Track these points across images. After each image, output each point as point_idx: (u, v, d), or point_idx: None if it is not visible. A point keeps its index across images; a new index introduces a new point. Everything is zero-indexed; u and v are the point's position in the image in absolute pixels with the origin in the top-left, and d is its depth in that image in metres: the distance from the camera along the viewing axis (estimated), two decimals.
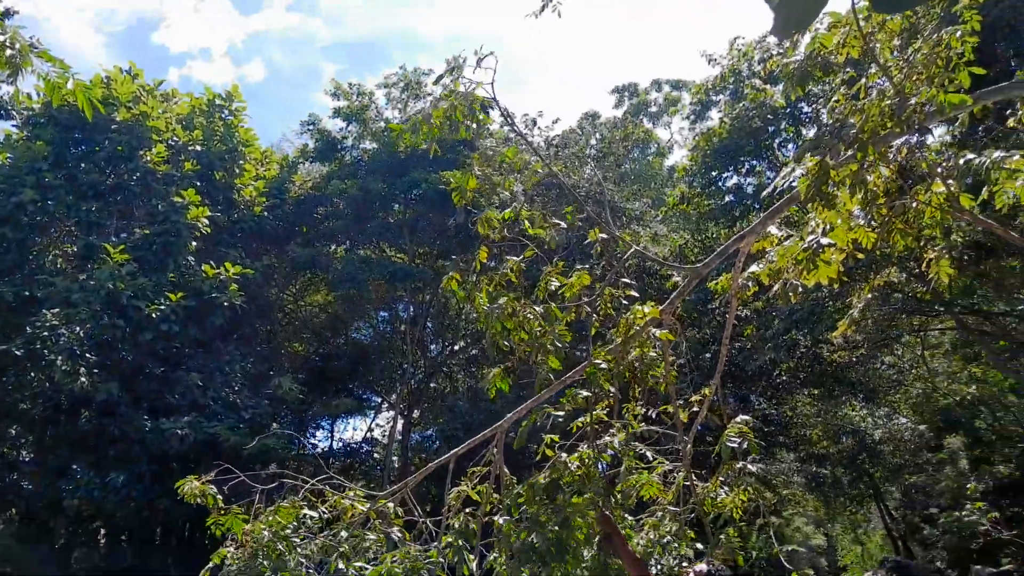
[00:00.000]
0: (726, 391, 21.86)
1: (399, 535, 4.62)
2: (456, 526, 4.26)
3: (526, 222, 4.38)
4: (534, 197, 21.56)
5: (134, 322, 18.65)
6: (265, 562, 4.35)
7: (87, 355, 18.12)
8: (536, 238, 4.31)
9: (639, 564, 3.15)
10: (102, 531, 21.28)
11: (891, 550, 34.21)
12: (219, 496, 4.89)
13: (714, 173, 22.16)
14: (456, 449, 4.73)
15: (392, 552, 4.19)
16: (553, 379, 4.20)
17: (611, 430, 4.05)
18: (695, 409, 4.71)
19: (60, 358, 17.48)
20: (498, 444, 4.26)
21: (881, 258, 14.35)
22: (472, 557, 4.17)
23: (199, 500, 4.83)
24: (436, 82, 3.91)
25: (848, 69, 13.96)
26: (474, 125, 3.91)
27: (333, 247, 28.02)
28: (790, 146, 20.92)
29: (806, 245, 3.40)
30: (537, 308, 3.95)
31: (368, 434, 32.12)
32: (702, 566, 3.93)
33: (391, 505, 4.78)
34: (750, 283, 4.62)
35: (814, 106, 19.53)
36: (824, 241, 3.38)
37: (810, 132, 19.55)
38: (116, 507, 18.64)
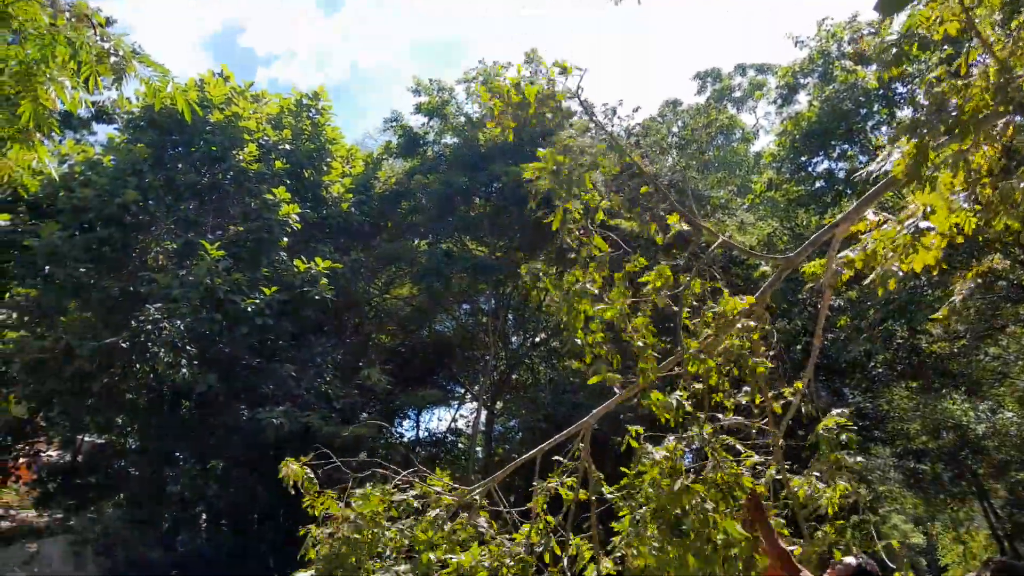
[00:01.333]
0: (819, 384, 21.22)
1: (486, 526, 4.67)
2: (546, 519, 4.29)
3: (611, 219, 4.35)
4: (616, 188, 21.33)
5: (231, 316, 19.37)
6: (353, 545, 4.48)
7: (188, 348, 18.95)
8: (618, 228, 4.28)
9: (787, 558, 3.07)
10: (203, 516, 22.24)
11: (996, 550, 32.63)
12: (315, 480, 5.04)
13: (803, 158, 21.50)
14: (543, 444, 4.74)
15: (479, 545, 4.24)
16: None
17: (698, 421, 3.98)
18: (786, 401, 4.59)
19: (163, 351, 18.34)
20: (584, 439, 4.26)
21: (984, 244, 13.67)
22: (556, 547, 4.19)
23: (297, 482, 4.99)
24: (526, 62, 3.87)
25: (946, 47, 13.30)
26: (556, 115, 3.89)
27: (416, 241, 28.43)
28: (884, 129, 20.09)
29: (904, 229, 3.25)
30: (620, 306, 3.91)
31: (452, 424, 32.60)
32: (851, 559, 3.83)
33: (477, 497, 4.84)
34: (842, 270, 4.46)
35: (909, 86, 18.70)
36: (923, 225, 3.23)
37: (905, 113, 18.73)
38: (217, 494, 19.48)
